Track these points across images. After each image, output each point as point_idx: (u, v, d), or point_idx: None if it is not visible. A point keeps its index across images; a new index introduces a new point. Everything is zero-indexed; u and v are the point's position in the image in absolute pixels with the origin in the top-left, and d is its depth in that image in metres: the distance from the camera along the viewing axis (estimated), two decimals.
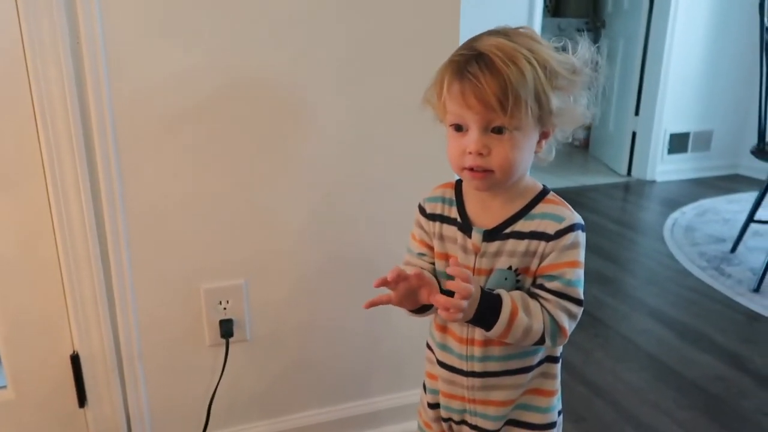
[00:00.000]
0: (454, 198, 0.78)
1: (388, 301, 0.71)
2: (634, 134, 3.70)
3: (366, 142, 1.11)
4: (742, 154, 3.78)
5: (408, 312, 0.77)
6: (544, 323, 0.70)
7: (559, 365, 0.80)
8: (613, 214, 3.08)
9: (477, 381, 0.77)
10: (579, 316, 0.72)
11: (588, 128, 4.50)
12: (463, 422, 0.82)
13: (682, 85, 3.54)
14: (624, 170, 3.77)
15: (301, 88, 1.05)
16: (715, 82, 3.61)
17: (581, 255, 0.71)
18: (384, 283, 0.68)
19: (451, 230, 0.76)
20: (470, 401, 0.79)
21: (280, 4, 0.99)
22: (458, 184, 0.79)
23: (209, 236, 1.07)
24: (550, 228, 0.70)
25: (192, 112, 1.00)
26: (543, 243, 0.70)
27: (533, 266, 0.72)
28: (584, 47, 0.70)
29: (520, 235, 0.72)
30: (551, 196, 0.74)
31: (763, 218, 2.42)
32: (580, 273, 0.71)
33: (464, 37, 1.06)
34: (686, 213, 3.01)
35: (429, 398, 0.85)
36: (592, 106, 0.72)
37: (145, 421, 1.11)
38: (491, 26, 0.72)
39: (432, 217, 0.78)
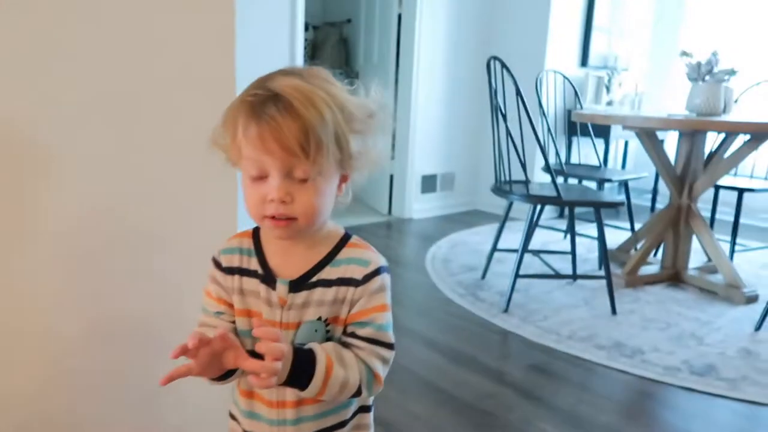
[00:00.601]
0: (253, 248, 0.71)
1: (188, 373, 0.61)
2: (391, 176, 4.00)
3: (134, 194, 0.98)
4: (478, 192, 4.36)
5: (208, 380, 0.67)
6: (360, 373, 0.67)
7: (371, 414, 0.78)
8: (379, 251, 3.25)
9: None
10: (391, 361, 0.71)
11: None
12: None
13: (428, 134, 3.96)
14: (385, 210, 4.04)
15: (51, 135, 0.88)
16: (453, 131, 4.11)
17: (388, 297, 0.71)
18: (184, 351, 0.58)
19: (252, 283, 0.69)
20: None
21: (26, 35, 0.82)
22: (255, 232, 0.72)
23: None
24: (358, 273, 0.68)
25: None
26: (352, 289, 0.68)
27: (343, 314, 0.69)
28: (377, 91, 0.70)
29: (327, 283, 0.68)
30: (354, 239, 0.72)
31: (503, 247, 2.79)
32: (390, 317, 0.70)
33: None
34: (441, 246, 3.32)
35: None
36: (387, 148, 0.72)
37: None
38: (254, 72, 0.68)
39: (230, 271, 0.71)
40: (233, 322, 0.71)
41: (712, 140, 2.87)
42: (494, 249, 2.71)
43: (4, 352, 0.89)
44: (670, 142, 3.78)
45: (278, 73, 0.66)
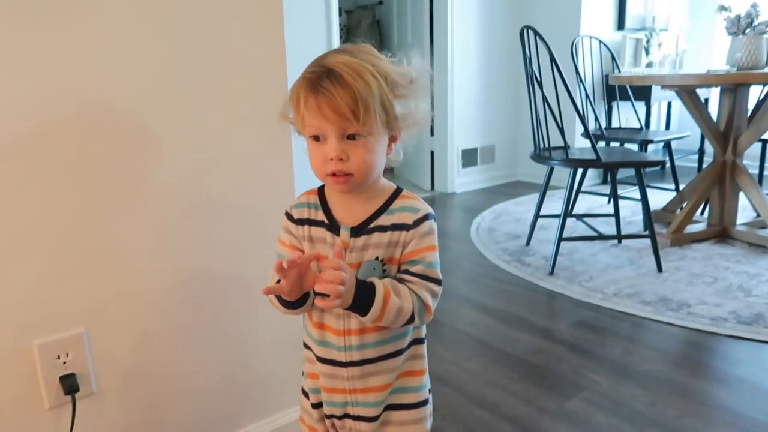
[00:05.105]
0: (318, 203, 0.82)
1: (280, 290, 0.74)
2: (432, 153, 4.08)
3: (213, 170, 1.11)
4: (519, 163, 4.39)
5: (283, 309, 0.80)
6: (412, 303, 0.77)
7: (425, 346, 0.88)
8: None
9: (356, 370, 0.82)
10: (439, 294, 0.81)
11: None
12: (345, 416, 0.85)
13: (466, 109, 4.02)
14: (428, 185, 4.13)
15: (142, 117, 1.01)
16: (491, 104, 4.15)
17: (436, 240, 0.80)
18: (280, 269, 0.71)
19: (319, 231, 0.81)
20: (351, 391, 0.83)
21: (113, 32, 0.96)
22: (320, 190, 0.83)
23: (38, 283, 0.96)
24: (409, 219, 0.78)
25: (15, 145, 0.90)
26: (404, 233, 0.78)
27: (397, 255, 0.79)
28: (417, 60, 0.79)
29: (383, 228, 0.78)
30: (405, 192, 0.83)
31: (547, 214, 2.84)
32: (437, 256, 0.80)
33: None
34: (485, 217, 3.39)
35: (312, 399, 0.88)
36: (431, 110, 0.82)
37: None
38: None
39: (300, 222, 0.82)
40: None
41: (756, 95, 2.84)
42: (537, 216, 2.76)
43: (108, 308, 1.03)
44: (716, 100, 3.72)
45: (331, 51, 0.77)
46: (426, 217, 0.79)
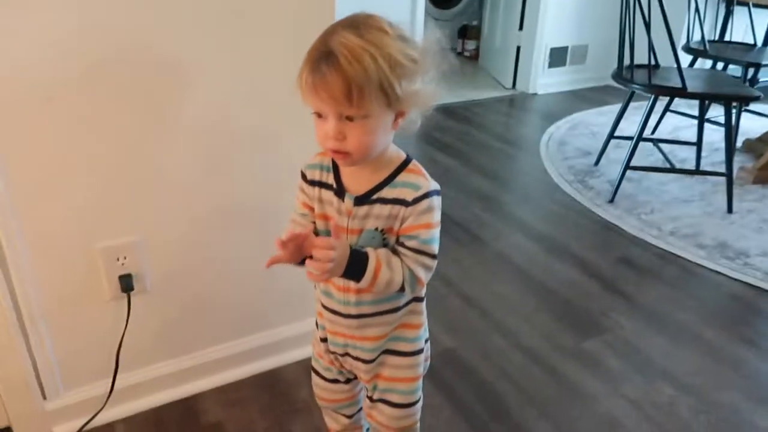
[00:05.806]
0: (330, 166, 0.87)
1: (280, 260, 0.82)
2: (518, 48, 3.87)
3: (249, 103, 1.17)
4: (612, 67, 4.08)
5: (294, 265, 0.88)
6: (403, 275, 0.83)
7: (423, 303, 0.96)
8: (496, 129, 3.28)
9: (354, 321, 0.91)
10: (434, 267, 0.86)
11: (478, 40, 4.62)
12: (346, 354, 0.97)
13: (561, 3, 3.70)
14: (509, 83, 3.97)
15: (182, 51, 1.07)
16: (589, 0, 3.79)
17: (435, 217, 0.84)
18: (281, 244, 0.79)
19: (328, 194, 0.87)
20: (350, 337, 0.94)
21: None
22: None
23: (100, 198, 1.10)
24: (409, 195, 0.82)
25: (68, 77, 0.99)
26: (403, 208, 0.82)
27: (395, 227, 0.84)
28: (428, 36, 0.78)
29: (384, 201, 0.83)
30: (412, 165, 0.85)
31: (628, 132, 2.69)
32: (434, 233, 0.84)
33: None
34: (561, 127, 3.27)
35: (320, 333, 1.00)
36: (441, 86, 0.80)
37: (54, 374, 1.19)
38: None
39: (312, 183, 0.88)
40: (314, 222, 0.90)
41: None
42: (611, 136, 2.64)
43: (160, 221, 1.18)
44: None
45: (340, 25, 0.76)
46: (426, 195, 0.82)
